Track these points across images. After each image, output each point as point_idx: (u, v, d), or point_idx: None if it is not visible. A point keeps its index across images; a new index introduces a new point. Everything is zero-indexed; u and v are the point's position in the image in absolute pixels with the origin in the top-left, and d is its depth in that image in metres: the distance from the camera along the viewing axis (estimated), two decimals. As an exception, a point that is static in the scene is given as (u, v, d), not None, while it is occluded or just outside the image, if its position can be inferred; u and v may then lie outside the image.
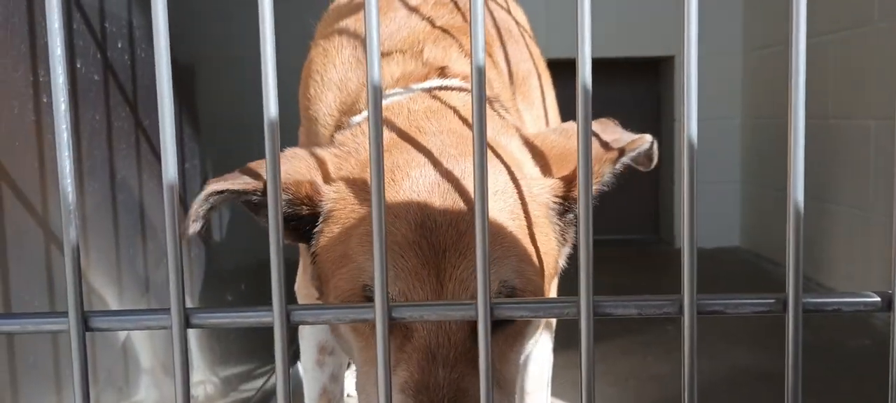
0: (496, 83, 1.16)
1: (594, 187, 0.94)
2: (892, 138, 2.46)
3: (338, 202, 0.92)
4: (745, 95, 3.83)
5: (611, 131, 1.00)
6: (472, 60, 0.56)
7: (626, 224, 4.14)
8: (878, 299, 0.59)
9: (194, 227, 0.88)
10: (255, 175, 0.90)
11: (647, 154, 0.99)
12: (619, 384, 2.09)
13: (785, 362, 0.58)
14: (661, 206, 4.17)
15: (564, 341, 1.57)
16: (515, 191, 0.91)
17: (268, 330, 0.59)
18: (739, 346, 2.32)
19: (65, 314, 0.60)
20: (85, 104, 1.04)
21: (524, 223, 0.90)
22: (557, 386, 1.67)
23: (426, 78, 1.10)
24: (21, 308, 0.88)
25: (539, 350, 1.42)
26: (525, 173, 0.96)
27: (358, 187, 0.92)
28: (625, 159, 0.97)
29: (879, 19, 2.65)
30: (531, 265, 0.89)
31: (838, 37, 2.90)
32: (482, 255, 0.57)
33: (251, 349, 1.73)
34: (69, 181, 0.58)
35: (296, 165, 0.95)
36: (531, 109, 1.26)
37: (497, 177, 0.91)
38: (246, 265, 1.70)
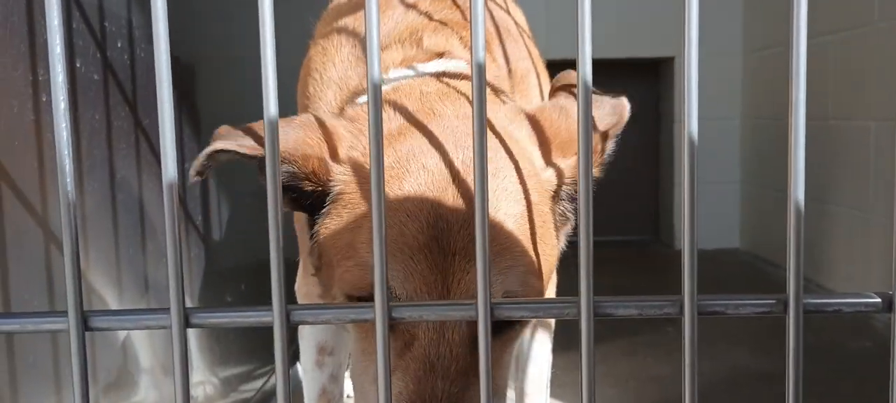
0: (496, 80, 1.15)
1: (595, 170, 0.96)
2: (893, 139, 2.45)
3: (348, 185, 0.89)
4: (745, 96, 3.84)
5: (597, 104, 0.98)
6: (472, 58, 0.56)
7: (626, 225, 4.14)
8: (879, 300, 0.59)
9: (194, 181, 0.87)
10: (259, 139, 0.87)
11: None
12: (620, 385, 2.09)
13: (785, 363, 0.58)
14: (661, 207, 4.17)
15: (564, 342, 1.57)
16: (526, 193, 0.90)
17: (267, 330, 0.59)
18: (740, 347, 2.32)
19: (64, 313, 0.60)
20: (84, 103, 1.03)
21: (533, 229, 0.89)
22: (557, 388, 1.67)
23: (429, 61, 1.08)
24: (21, 307, 0.88)
25: (538, 351, 1.42)
26: (535, 168, 0.94)
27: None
28: (610, 143, 0.98)
29: (879, 20, 2.65)
30: (536, 273, 0.88)
31: (838, 37, 2.90)
32: (482, 255, 0.57)
33: (251, 349, 1.73)
34: (69, 180, 0.58)
35: (305, 136, 0.91)
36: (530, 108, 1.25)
37: (509, 177, 0.89)
38: (246, 265, 1.70)
